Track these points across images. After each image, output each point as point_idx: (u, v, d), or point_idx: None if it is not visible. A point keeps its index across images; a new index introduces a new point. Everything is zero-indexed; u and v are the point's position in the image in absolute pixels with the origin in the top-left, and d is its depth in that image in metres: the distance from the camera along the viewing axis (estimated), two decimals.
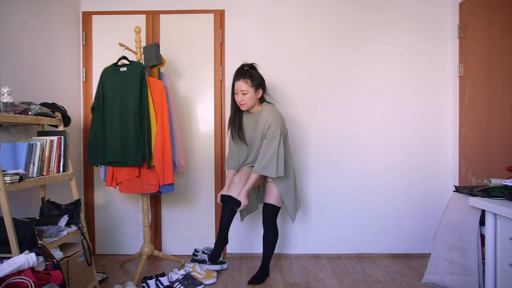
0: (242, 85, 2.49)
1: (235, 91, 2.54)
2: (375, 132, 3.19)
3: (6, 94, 1.96)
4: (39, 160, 2.08)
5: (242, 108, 2.56)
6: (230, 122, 2.68)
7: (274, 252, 3.24)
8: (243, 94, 2.50)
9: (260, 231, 3.19)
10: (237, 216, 3.21)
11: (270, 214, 2.62)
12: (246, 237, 3.22)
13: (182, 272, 2.60)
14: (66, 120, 2.43)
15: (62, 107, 2.43)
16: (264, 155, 2.48)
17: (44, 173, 2.13)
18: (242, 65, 2.57)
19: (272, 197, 2.61)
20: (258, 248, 3.21)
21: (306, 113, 3.20)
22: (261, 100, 2.63)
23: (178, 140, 2.82)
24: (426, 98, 3.19)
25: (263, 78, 2.60)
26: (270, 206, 2.62)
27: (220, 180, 3.22)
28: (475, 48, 2.85)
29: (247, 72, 2.52)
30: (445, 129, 3.18)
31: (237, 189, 2.57)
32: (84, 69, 3.23)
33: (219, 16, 3.20)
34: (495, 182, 1.96)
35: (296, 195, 2.71)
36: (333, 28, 3.19)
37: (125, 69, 2.62)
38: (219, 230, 2.59)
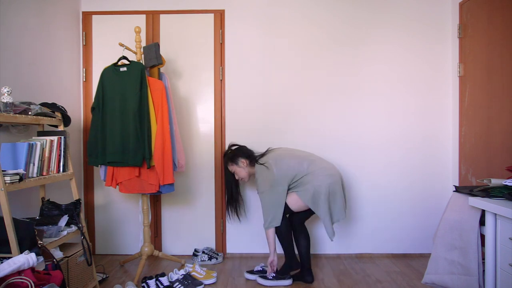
0: (230, 168, 2.80)
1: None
2: (375, 132, 3.20)
3: (6, 94, 1.96)
4: (39, 160, 2.08)
5: (245, 182, 2.84)
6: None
7: None
8: (235, 173, 2.79)
9: (259, 231, 3.18)
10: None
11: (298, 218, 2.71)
12: (246, 237, 3.22)
13: (182, 272, 2.60)
14: (66, 120, 2.42)
15: (62, 107, 2.43)
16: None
17: (44, 173, 2.13)
18: (225, 151, 2.85)
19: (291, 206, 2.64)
20: (258, 248, 3.21)
21: (306, 113, 3.20)
22: (252, 163, 2.74)
23: (178, 140, 2.82)
24: (426, 98, 3.19)
25: (239, 150, 2.77)
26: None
27: (220, 180, 3.22)
28: (475, 48, 2.85)
29: (225, 156, 2.82)
30: (445, 129, 3.18)
31: None
32: (84, 69, 3.23)
33: (219, 16, 3.20)
34: (495, 182, 1.96)
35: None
36: (333, 28, 3.19)
37: (125, 69, 2.62)
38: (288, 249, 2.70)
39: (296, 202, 2.58)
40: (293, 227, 2.69)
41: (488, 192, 1.88)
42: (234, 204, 2.93)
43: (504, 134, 2.49)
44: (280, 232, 2.60)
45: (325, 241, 3.22)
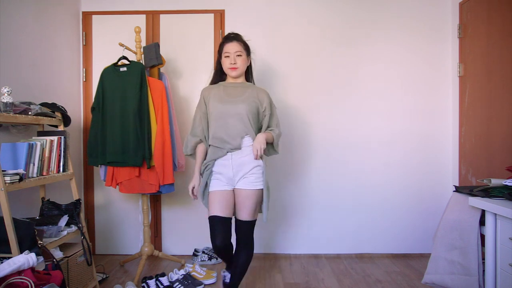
0: (235, 46, 2.16)
1: (226, 54, 2.16)
2: (375, 132, 3.19)
3: (6, 94, 1.96)
4: (39, 160, 2.08)
5: (234, 73, 2.17)
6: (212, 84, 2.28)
7: (274, 252, 3.25)
8: (238, 55, 2.16)
9: (259, 231, 3.18)
10: None
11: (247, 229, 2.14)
12: None
13: (182, 272, 2.60)
14: (66, 120, 2.42)
15: (62, 107, 2.43)
16: (277, 125, 2.26)
17: (44, 173, 2.13)
18: (229, 33, 2.26)
19: (246, 211, 2.09)
20: (258, 248, 3.20)
21: (306, 113, 3.20)
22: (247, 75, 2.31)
23: (178, 140, 2.82)
24: (426, 98, 3.19)
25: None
26: (244, 223, 2.12)
27: None
28: (475, 48, 2.85)
29: (238, 36, 2.22)
30: (445, 129, 3.18)
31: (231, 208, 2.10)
32: (84, 69, 3.23)
33: (219, 16, 3.20)
34: (495, 182, 1.95)
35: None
36: (333, 28, 3.19)
37: (125, 69, 2.62)
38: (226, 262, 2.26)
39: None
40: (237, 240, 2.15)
41: (488, 192, 1.88)
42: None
43: (504, 134, 2.49)
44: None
45: (325, 241, 3.22)
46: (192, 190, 2.16)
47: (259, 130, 2.21)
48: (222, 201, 2.05)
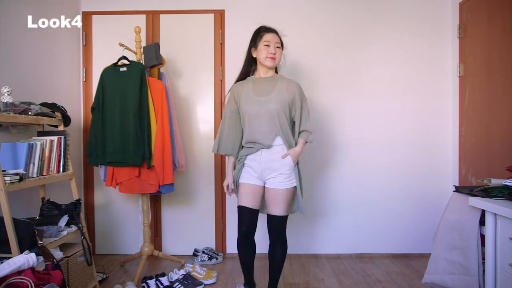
0: (275, 37, 2.23)
1: (266, 43, 2.19)
2: (376, 132, 3.19)
3: (6, 94, 1.96)
4: (39, 160, 2.08)
5: (271, 64, 2.20)
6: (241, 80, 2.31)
7: None
8: (277, 47, 2.21)
9: (259, 231, 3.17)
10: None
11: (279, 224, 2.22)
12: None
13: (182, 272, 2.60)
14: (66, 120, 2.42)
15: (62, 107, 2.43)
16: (307, 119, 2.26)
17: (44, 173, 2.13)
18: (264, 25, 2.30)
19: (275, 206, 2.18)
20: (258, 248, 3.19)
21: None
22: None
23: (178, 140, 2.82)
24: (426, 98, 3.19)
25: None
26: (274, 217, 2.20)
27: (220, 179, 3.22)
28: (475, 48, 2.85)
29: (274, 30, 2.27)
30: (445, 129, 3.18)
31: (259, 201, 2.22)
32: (84, 69, 3.23)
33: (219, 16, 3.20)
34: (495, 182, 1.95)
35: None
36: (333, 29, 3.19)
37: (125, 69, 2.62)
38: (244, 274, 2.34)
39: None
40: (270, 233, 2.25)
41: (488, 192, 1.88)
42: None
43: (504, 134, 2.49)
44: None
45: (325, 241, 3.22)
46: (227, 187, 2.30)
47: (292, 124, 2.26)
48: (249, 194, 2.18)
